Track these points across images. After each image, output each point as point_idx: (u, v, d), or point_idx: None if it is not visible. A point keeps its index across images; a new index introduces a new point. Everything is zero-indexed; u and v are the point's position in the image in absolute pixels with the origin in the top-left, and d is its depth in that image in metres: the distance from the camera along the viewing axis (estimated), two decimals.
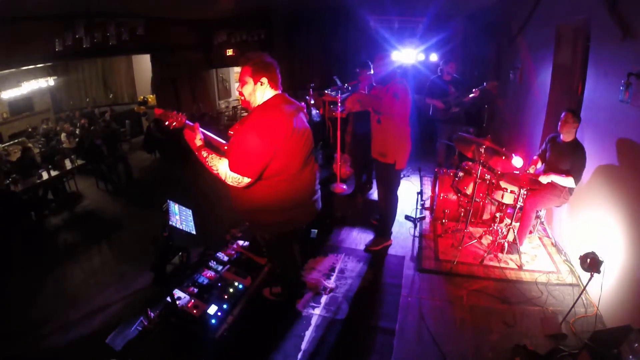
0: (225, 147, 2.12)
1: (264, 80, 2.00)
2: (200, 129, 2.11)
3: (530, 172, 3.29)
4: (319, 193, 2.37)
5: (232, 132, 2.04)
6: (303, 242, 2.82)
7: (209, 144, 2.12)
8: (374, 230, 3.80)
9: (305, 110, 2.24)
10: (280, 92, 2.09)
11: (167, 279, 2.36)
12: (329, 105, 6.09)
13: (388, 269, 3.26)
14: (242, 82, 2.03)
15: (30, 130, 7.71)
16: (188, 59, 8.50)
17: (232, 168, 1.92)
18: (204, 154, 2.01)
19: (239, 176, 1.93)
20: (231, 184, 1.99)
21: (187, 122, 2.13)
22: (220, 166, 1.97)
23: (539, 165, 3.32)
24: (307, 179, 2.20)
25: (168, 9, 6.71)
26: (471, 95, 4.62)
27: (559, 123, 3.02)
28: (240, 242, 3.34)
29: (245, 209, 2.19)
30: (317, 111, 6.20)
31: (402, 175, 5.29)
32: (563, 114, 2.99)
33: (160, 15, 6.89)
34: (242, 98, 2.07)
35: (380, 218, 3.69)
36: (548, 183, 3.06)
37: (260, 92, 2.04)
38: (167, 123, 2.08)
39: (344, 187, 4.93)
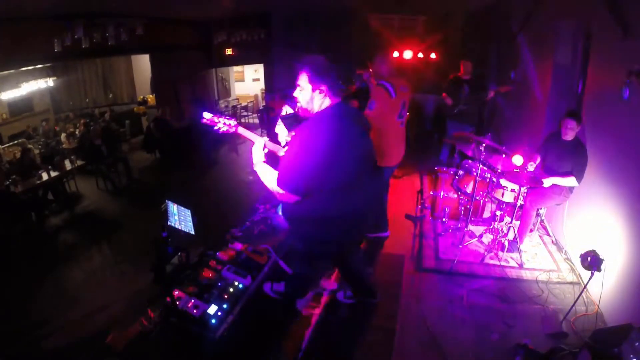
0: (281, 153, 2.04)
1: (323, 88, 1.84)
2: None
3: (529, 170, 3.27)
4: (372, 220, 2.24)
5: (288, 138, 1.98)
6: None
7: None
8: None
9: (365, 119, 2.10)
10: (339, 100, 1.92)
11: (167, 278, 2.35)
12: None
13: (388, 268, 3.24)
14: (299, 87, 1.88)
15: (30, 131, 7.71)
16: (188, 59, 8.50)
17: (279, 183, 1.83)
18: (259, 169, 1.96)
19: (285, 192, 1.83)
20: (280, 199, 1.93)
21: (241, 129, 2.05)
22: (271, 181, 1.88)
23: (538, 161, 3.31)
24: (356, 200, 1.98)
25: (168, 9, 6.71)
26: (488, 97, 4.78)
27: (561, 129, 3.01)
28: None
29: (288, 210, 2.07)
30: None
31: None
32: (564, 119, 2.98)
33: (160, 15, 6.89)
34: (299, 104, 1.94)
35: None
36: None
37: (318, 101, 1.87)
38: (215, 128, 2.03)
39: None
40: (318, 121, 1.85)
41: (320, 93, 1.85)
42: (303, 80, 1.86)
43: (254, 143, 2.05)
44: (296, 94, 1.91)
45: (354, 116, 2.00)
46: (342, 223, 1.99)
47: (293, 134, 1.95)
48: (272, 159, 2.05)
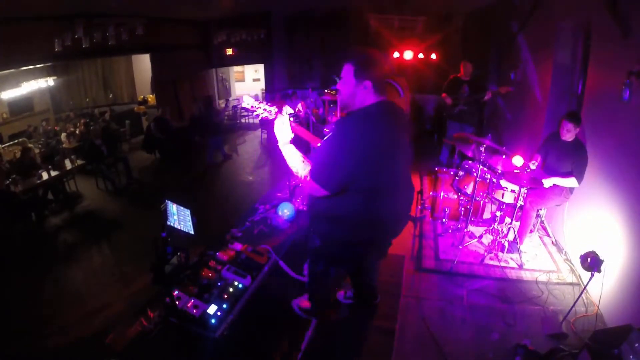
0: (319, 145, 1.94)
1: (368, 84, 1.74)
2: (293, 123, 1.92)
3: (530, 169, 3.26)
4: (402, 227, 2.05)
5: (327, 130, 1.92)
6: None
7: (298, 139, 1.94)
8: None
9: (408, 121, 1.97)
10: (384, 98, 1.80)
11: (166, 278, 2.35)
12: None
13: (388, 268, 3.24)
14: (342, 80, 1.79)
15: (30, 130, 7.71)
16: (188, 59, 8.51)
17: (312, 176, 1.73)
18: (285, 149, 1.85)
19: (316, 187, 1.74)
20: (309, 191, 1.84)
21: (280, 114, 1.93)
22: (301, 170, 1.81)
23: (538, 160, 3.31)
24: (389, 205, 1.86)
25: (168, 9, 6.71)
26: (486, 98, 4.73)
27: (560, 130, 3.01)
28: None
29: (314, 205, 1.98)
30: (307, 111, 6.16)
31: None
32: (562, 121, 2.98)
33: (160, 15, 6.89)
34: (340, 96, 1.84)
35: None
36: None
37: (361, 97, 1.77)
38: (255, 113, 1.95)
39: None
40: (359, 118, 1.76)
41: (364, 89, 1.75)
42: (347, 73, 1.77)
43: (275, 118, 1.90)
44: (339, 86, 1.83)
45: (397, 117, 1.87)
46: (370, 227, 1.88)
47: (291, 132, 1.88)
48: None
